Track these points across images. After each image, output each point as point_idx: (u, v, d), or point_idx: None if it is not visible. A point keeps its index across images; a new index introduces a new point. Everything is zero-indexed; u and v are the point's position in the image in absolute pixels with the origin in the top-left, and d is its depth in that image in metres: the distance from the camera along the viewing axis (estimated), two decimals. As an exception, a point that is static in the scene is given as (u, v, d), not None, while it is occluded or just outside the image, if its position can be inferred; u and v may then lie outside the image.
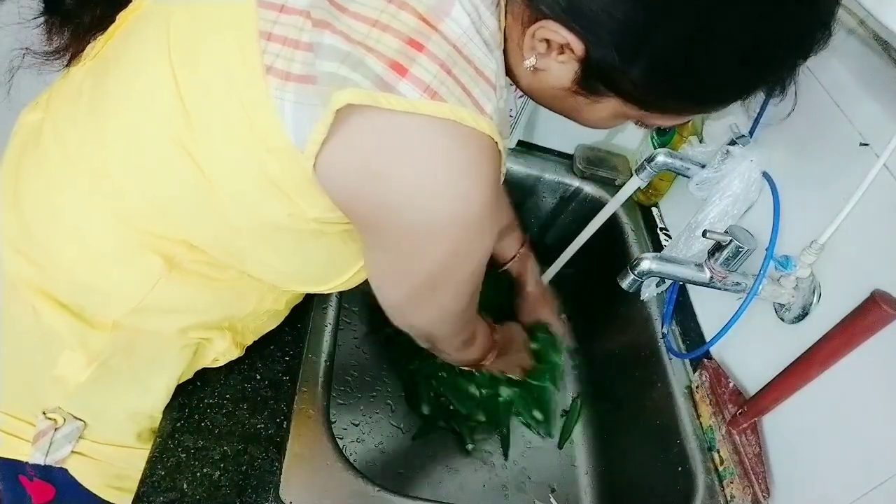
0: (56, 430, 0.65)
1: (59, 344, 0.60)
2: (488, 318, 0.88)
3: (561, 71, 0.51)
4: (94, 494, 0.70)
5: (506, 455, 0.97)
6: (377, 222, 0.52)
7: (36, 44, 0.61)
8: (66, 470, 0.67)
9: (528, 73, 0.53)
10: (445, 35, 0.46)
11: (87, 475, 0.69)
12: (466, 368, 0.91)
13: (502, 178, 0.56)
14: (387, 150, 0.47)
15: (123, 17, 0.59)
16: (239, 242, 0.58)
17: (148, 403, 0.67)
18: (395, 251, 0.55)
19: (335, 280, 0.66)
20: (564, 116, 0.58)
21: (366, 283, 0.63)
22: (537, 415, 1.01)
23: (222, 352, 0.68)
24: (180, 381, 0.69)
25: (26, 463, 0.66)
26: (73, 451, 0.66)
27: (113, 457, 0.69)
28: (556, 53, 0.50)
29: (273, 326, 0.74)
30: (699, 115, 0.53)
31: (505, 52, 0.53)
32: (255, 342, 0.73)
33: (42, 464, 0.65)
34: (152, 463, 0.63)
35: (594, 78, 0.50)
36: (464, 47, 0.47)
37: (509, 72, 0.55)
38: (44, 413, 0.65)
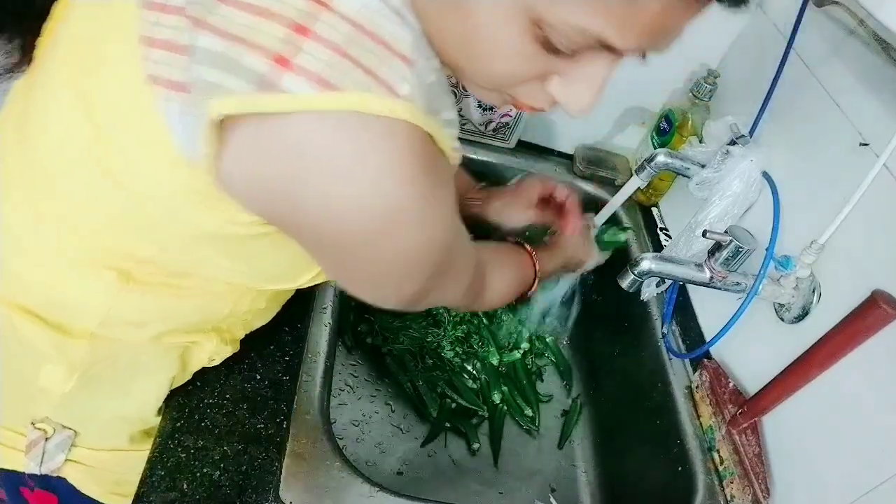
0: (46, 439, 0.64)
1: (40, 356, 0.59)
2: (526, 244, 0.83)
3: None
4: (97, 501, 0.70)
5: (496, 461, 0.97)
6: (301, 233, 0.47)
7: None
8: (65, 479, 0.67)
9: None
10: (340, 12, 0.40)
11: (85, 483, 0.68)
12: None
13: (456, 159, 0.49)
14: (284, 161, 0.41)
15: (55, 18, 0.55)
16: (188, 252, 0.54)
17: (136, 408, 0.67)
18: (332, 259, 0.51)
19: (305, 275, 0.62)
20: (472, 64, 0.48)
21: None
22: (528, 412, 1.01)
23: (213, 351, 0.67)
24: (177, 384, 0.68)
25: (25, 474, 0.65)
26: (68, 460, 0.66)
27: (109, 462, 0.68)
28: None
29: (265, 321, 0.73)
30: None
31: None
32: (255, 342, 0.73)
33: (38, 473, 0.65)
34: (152, 463, 0.63)
35: None
36: (367, 22, 0.40)
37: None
38: (33, 423, 0.64)
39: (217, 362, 0.70)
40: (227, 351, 0.70)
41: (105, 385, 0.63)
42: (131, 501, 0.61)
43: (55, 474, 0.66)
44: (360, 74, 0.39)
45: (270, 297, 0.68)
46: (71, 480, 0.67)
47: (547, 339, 1.12)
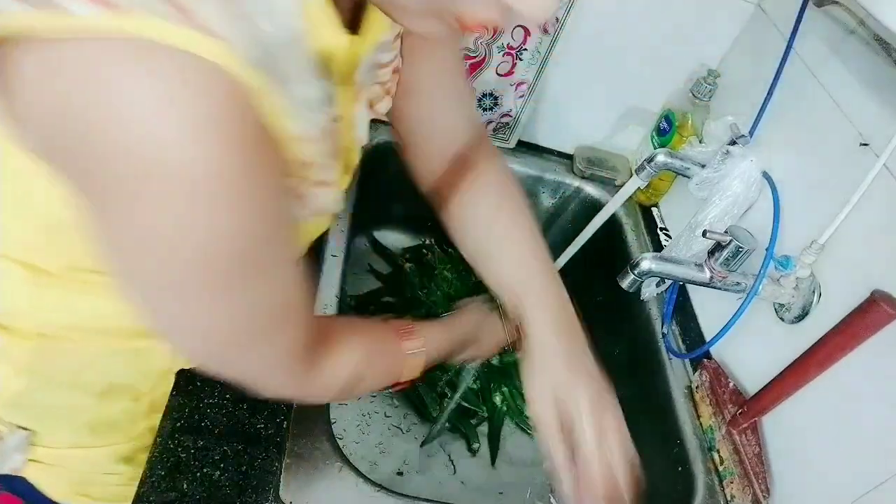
0: (1, 439, 0.63)
1: None
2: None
3: None
4: None
5: (493, 461, 0.96)
6: (82, 192, 0.37)
7: None
8: (26, 480, 0.66)
9: None
10: None
11: (48, 484, 0.67)
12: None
13: (307, 154, 0.42)
14: (63, 87, 0.33)
15: None
16: (65, 247, 0.49)
17: (93, 403, 0.65)
18: (104, 223, 0.39)
19: None
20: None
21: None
22: (527, 412, 1.01)
23: (174, 356, 0.65)
24: (149, 386, 0.67)
25: None
26: (30, 460, 0.65)
27: (71, 460, 0.67)
28: None
29: None
30: None
31: None
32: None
33: None
34: (152, 463, 0.63)
35: None
36: None
37: None
38: None
39: (190, 365, 0.69)
40: None
41: (58, 384, 0.62)
42: (132, 502, 0.61)
43: (17, 474, 0.65)
44: (156, 1, 0.32)
45: None
46: (32, 481, 0.66)
47: None
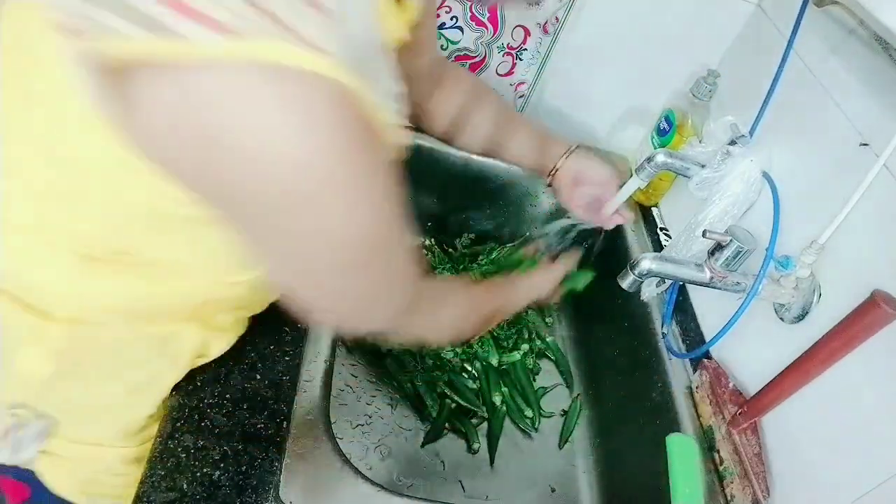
0: (22, 427, 0.63)
1: (17, 339, 0.59)
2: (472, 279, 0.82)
3: None
4: (66, 501, 0.69)
5: (492, 462, 0.96)
6: (218, 201, 0.44)
7: None
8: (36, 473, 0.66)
9: None
10: None
11: (56, 478, 0.67)
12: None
13: (399, 139, 0.47)
14: (188, 112, 0.37)
15: None
16: (127, 230, 0.53)
17: (124, 400, 0.66)
18: (255, 233, 0.46)
19: (248, 272, 0.60)
20: None
21: None
22: (527, 413, 1.01)
23: (200, 343, 0.66)
24: (172, 381, 0.67)
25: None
26: (43, 451, 0.65)
27: (84, 457, 0.68)
28: None
29: (257, 309, 0.72)
30: None
31: None
32: (255, 342, 0.73)
33: (7, 463, 0.64)
34: (152, 463, 0.63)
35: None
36: None
37: None
38: (10, 409, 0.63)
39: (214, 355, 0.69)
40: (220, 339, 0.69)
41: (87, 372, 0.63)
42: (132, 502, 0.61)
43: (27, 468, 0.65)
44: (271, 24, 0.35)
45: (249, 283, 0.64)
46: (42, 473, 0.66)
47: (547, 340, 1.12)
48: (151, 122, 0.38)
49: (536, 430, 1.01)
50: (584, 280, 0.94)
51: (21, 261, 0.56)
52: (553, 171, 0.91)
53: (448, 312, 0.71)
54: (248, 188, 0.40)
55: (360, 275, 0.50)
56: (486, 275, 0.83)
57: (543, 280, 0.88)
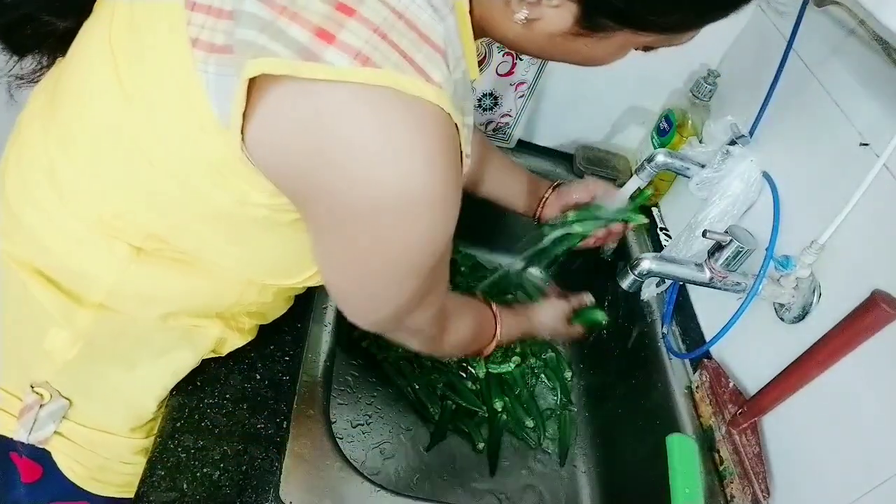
0: (41, 406, 0.64)
1: (48, 319, 0.60)
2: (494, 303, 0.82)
3: (557, 16, 0.48)
4: (76, 485, 0.69)
5: (492, 472, 0.96)
6: (316, 204, 0.49)
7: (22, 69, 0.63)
8: (50, 453, 0.67)
9: (519, 27, 0.50)
10: None
11: (68, 462, 0.68)
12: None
13: (466, 161, 0.52)
14: (316, 125, 0.43)
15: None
16: (196, 232, 0.56)
17: (139, 390, 0.67)
18: (339, 236, 0.51)
19: (304, 272, 0.64)
20: (563, 61, 0.56)
21: None
22: (528, 423, 1.01)
23: (218, 338, 0.67)
24: (183, 371, 0.68)
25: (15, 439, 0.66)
26: (57, 433, 0.66)
27: (96, 443, 0.68)
28: None
29: (275, 315, 0.73)
30: (699, 28, 0.50)
31: (478, 15, 0.51)
32: (255, 342, 0.73)
33: (25, 441, 0.65)
34: (152, 463, 0.63)
35: (600, 15, 0.47)
36: (405, 10, 0.44)
37: (492, 31, 0.53)
38: (31, 387, 0.64)
39: (225, 351, 0.70)
40: (236, 339, 0.70)
41: (109, 358, 0.64)
42: (132, 502, 0.61)
43: (42, 446, 0.66)
44: (398, 57, 0.42)
45: (277, 291, 0.68)
46: (55, 455, 0.67)
47: (545, 344, 1.11)
48: (278, 127, 0.44)
49: (540, 444, 1.00)
50: (601, 314, 0.92)
51: (74, 246, 0.57)
52: (542, 202, 0.92)
53: (466, 324, 0.75)
54: (352, 193, 0.45)
55: (413, 284, 0.54)
56: (486, 295, 0.84)
57: (547, 313, 0.90)
